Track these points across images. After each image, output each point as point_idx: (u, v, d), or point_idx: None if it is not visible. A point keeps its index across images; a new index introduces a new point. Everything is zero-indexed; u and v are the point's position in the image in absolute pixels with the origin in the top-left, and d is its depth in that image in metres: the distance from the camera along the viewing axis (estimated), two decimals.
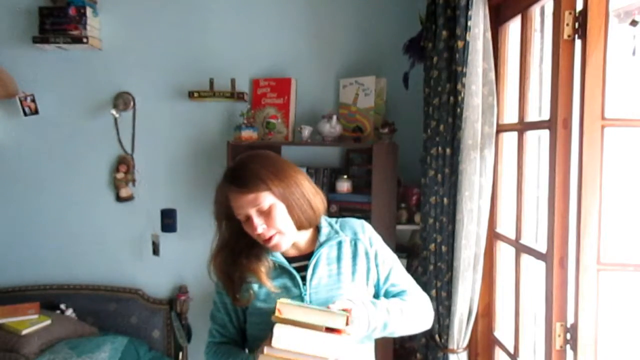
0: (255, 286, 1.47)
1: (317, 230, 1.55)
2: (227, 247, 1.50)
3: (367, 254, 1.54)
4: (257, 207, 1.40)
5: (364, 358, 1.54)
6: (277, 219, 1.41)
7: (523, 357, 2.05)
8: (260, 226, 1.40)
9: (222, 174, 1.48)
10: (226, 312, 1.54)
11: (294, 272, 1.47)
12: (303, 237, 1.53)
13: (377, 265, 1.55)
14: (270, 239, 1.43)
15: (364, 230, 1.58)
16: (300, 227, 1.47)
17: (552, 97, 1.75)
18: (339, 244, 1.53)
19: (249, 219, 1.42)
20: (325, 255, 1.51)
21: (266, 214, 1.41)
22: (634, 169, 2.04)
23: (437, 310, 2.22)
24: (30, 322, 2.67)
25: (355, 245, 1.54)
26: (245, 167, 1.44)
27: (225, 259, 1.49)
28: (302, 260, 1.50)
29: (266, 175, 1.41)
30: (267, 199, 1.40)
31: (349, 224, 1.59)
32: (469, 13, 1.99)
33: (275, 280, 1.47)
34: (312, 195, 1.48)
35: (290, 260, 1.50)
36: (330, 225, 1.56)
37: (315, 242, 1.53)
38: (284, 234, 1.44)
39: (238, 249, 1.49)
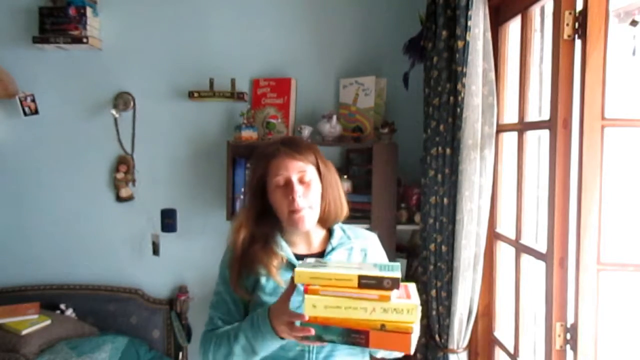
0: (263, 279, 1.46)
1: (329, 233, 1.57)
2: (248, 227, 1.50)
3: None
4: (301, 174, 1.46)
5: None
6: (313, 193, 1.47)
7: (523, 357, 2.05)
8: (299, 192, 1.43)
9: (269, 141, 1.57)
10: (233, 300, 1.50)
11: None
12: (317, 235, 1.55)
13: None
14: (299, 210, 1.44)
15: (374, 244, 1.61)
16: (324, 215, 1.50)
17: (552, 97, 1.75)
18: (350, 250, 1.55)
19: (287, 184, 1.44)
20: (335, 258, 1.51)
21: (305, 186, 1.46)
22: (634, 169, 2.04)
23: (437, 310, 2.22)
24: (30, 322, 2.67)
25: (365, 255, 1.56)
26: (301, 140, 1.60)
27: (245, 239, 1.49)
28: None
29: (317, 154, 1.52)
30: (311, 172, 1.48)
31: (361, 233, 1.62)
32: (469, 13, 1.99)
33: (283, 275, 1.46)
34: (343, 194, 1.56)
35: (298, 257, 1.50)
36: (343, 230, 1.58)
37: (325, 244, 1.55)
38: (313, 210, 1.47)
39: (257, 234, 1.49)
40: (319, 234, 1.55)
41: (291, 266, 1.47)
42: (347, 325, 1.21)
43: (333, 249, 1.52)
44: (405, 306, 1.20)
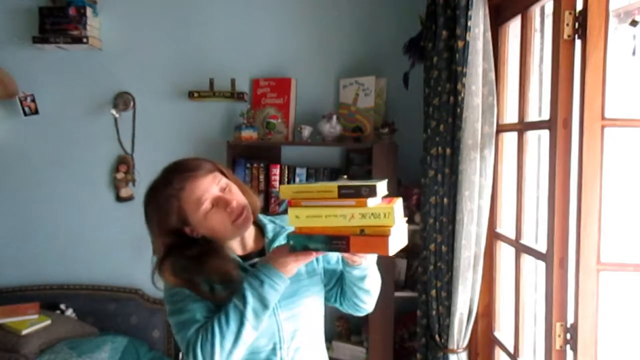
0: (219, 287, 1.38)
1: (259, 228, 1.53)
2: (176, 253, 1.40)
3: None
4: (219, 184, 1.39)
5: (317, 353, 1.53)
6: (238, 193, 1.42)
7: (523, 357, 2.05)
8: (234, 199, 1.38)
9: (158, 181, 1.40)
10: (204, 301, 1.37)
11: (250, 269, 1.40)
12: (249, 234, 1.49)
13: None
14: (241, 213, 1.39)
15: None
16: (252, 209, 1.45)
17: (552, 97, 1.75)
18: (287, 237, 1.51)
19: (217, 202, 1.37)
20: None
21: (227, 191, 1.40)
22: (634, 169, 2.04)
23: (437, 310, 2.22)
24: (30, 322, 2.67)
25: None
26: (185, 160, 1.42)
27: (177, 262, 1.38)
28: (253, 258, 1.47)
29: (210, 160, 1.44)
30: (221, 178, 1.41)
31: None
32: (469, 13, 1.99)
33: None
34: (249, 189, 1.51)
35: (241, 258, 1.46)
36: (272, 221, 1.55)
37: (259, 240, 1.51)
38: (248, 207, 1.42)
39: (193, 253, 1.40)
40: (250, 231, 1.49)
41: (239, 267, 1.41)
42: (329, 232, 1.25)
43: (272, 240, 1.49)
44: (382, 209, 1.22)
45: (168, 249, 1.40)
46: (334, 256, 1.55)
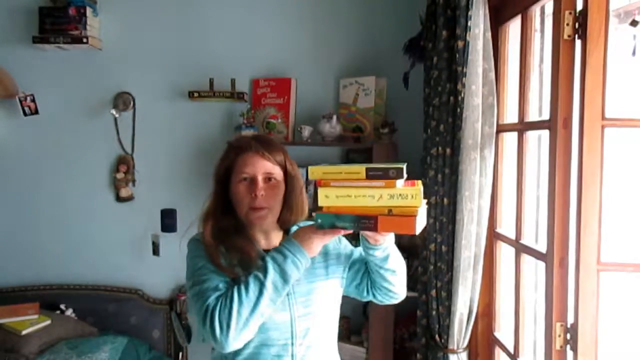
0: (239, 269, 1.43)
1: (286, 230, 1.58)
2: (215, 218, 1.50)
3: (334, 247, 1.59)
4: (267, 174, 1.46)
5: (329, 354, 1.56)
6: (275, 195, 1.47)
7: (523, 357, 2.05)
8: (261, 191, 1.44)
9: (244, 136, 1.56)
10: (226, 277, 1.41)
11: None
12: (275, 235, 1.55)
13: (346, 246, 1.63)
14: (260, 209, 1.45)
15: None
16: (283, 217, 1.51)
17: (552, 97, 1.75)
18: None
19: (252, 181, 1.45)
20: None
21: (269, 186, 1.46)
22: (634, 169, 2.04)
23: (437, 310, 2.22)
24: (30, 322, 2.67)
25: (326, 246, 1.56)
26: (272, 139, 1.57)
27: (214, 227, 1.48)
28: None
29: (286, 155, 1.52)
30: (278, 173, 1.48)
31: None
32: (469, 13, 1.99)
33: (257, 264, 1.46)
34: (305, 198, 1.56)
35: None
36: (298, 225, 1.59)
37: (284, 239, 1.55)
38: (272, 212, 1.48)
39: (225, 225, 1.48)
40: (277, 234, 1.56)
41: (260, 256, 1.45)
42: (357, 212, 1.30)
43: None
44: (409, 191, 1.28)
45: (213, 206, 1.51)
46: (356, 253, 1.60)
